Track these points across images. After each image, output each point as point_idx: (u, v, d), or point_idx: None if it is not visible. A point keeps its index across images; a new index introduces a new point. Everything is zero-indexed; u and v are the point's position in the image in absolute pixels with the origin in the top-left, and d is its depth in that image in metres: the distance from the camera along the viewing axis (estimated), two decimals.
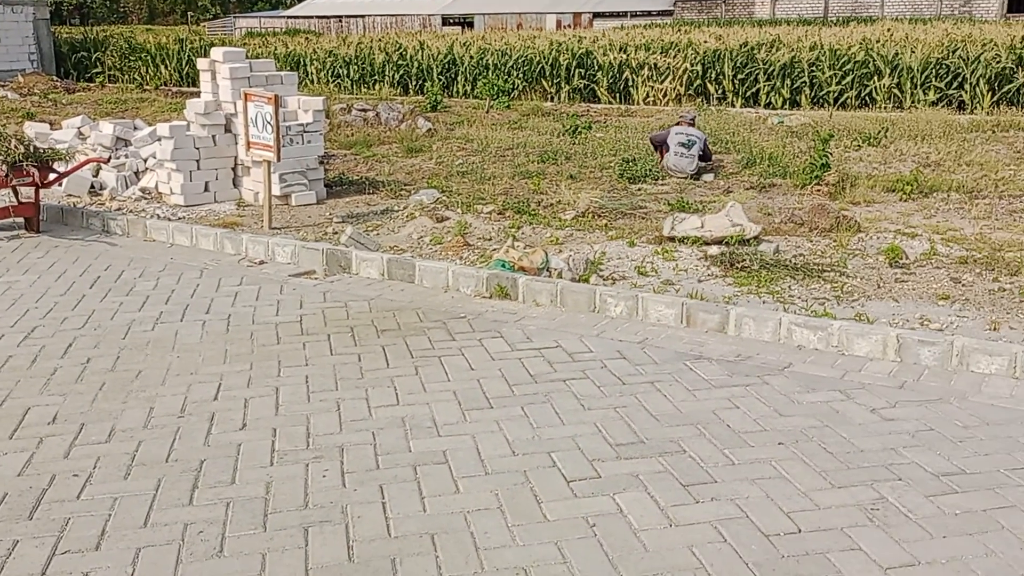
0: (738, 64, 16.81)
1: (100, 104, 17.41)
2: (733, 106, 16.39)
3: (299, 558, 3.43)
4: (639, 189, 9.44)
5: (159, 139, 9.20)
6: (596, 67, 18.09)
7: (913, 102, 15.21)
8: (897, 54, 15.57)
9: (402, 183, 9.91)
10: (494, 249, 7.34)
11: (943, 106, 15.03)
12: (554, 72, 18.50)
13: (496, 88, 17.08)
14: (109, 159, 9.69)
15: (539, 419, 4.57)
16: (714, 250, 7.08)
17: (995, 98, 14.82)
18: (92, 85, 22.38)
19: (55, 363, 5.37)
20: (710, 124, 12.75)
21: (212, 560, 3.42)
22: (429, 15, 45.50)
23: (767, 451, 4.22)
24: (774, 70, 16.37)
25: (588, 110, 16.26)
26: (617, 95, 17.79)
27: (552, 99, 18.27)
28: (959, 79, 15.20)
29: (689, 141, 9.92)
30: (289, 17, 50.65)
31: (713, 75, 16.99)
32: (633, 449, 4.25)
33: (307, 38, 30.41)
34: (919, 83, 15.28)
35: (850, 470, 4.04)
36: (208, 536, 3.57)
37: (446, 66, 19.84)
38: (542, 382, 5.04)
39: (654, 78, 17.32)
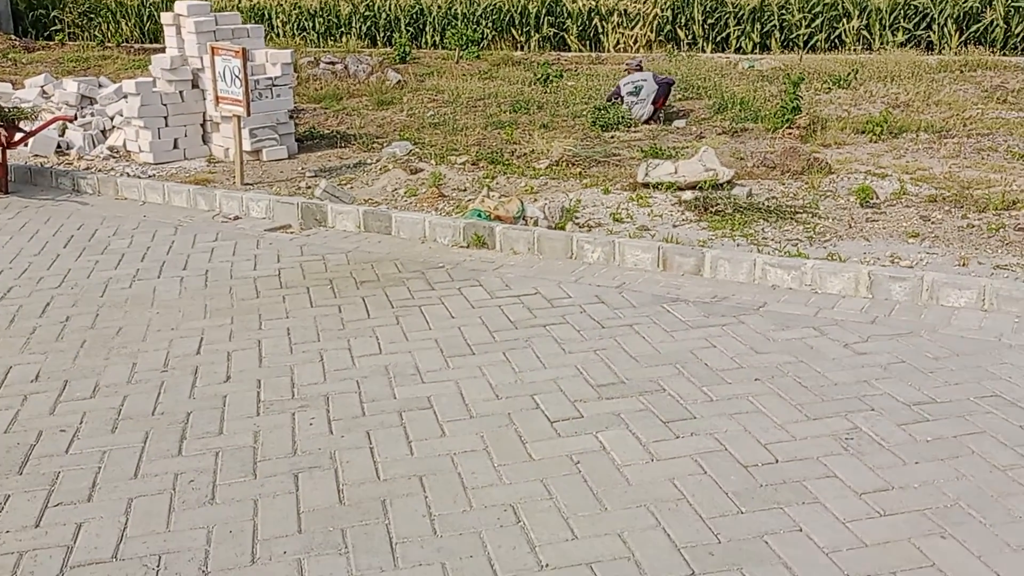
0: (708, 9, 16.75)
1: (61, 63, 17.03)
2: (703, 51, 16.35)
3: (291, 502, 3.49)
4: (612, 137, 9.44)
5: (125, 96, 9.06)
6: (566, 15, 17.95)
7: (882, 43, 15.25)
8: None
9: (374, 136, 9.85)
10: (469, 199, 7.35)
11: (912, 47, 15.10)
12: (523, 21, 18.33)
13: (465, 38, 16.91)
14: (75, 117, 9.54)
15: (521, 363, 4.65)
16: (688, 195, 7.14)
17: (963, 38, 14.90)
18: (52, 43, 21.85)
19: (34, 322, 5.35)
20: (681, 70, 12.73)
21: (205, 507, 3.48)
22: None
23: (744, 387, 4.33)
24: (744, 14, 16.33)
25: (559, 58, 16.15)
26: (587, 43, 17.67)
27: (522, 48, 18.11)
28: (927, 19, 15.27)
29: (636, 88, 9.99)
30: None
31: (683, 20, 16.92)
32: (614, 389, 4.34)
33: None
34: (888, 24, 15.33)
35: (824, 402, 4.16)
36: (199, 484, 3.62)
37: (414, 17, 19.58)
38: (522, 328, 5.10)
39: (624, 24, 17.23)
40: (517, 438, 3.92)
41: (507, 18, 18.46)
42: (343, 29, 20.47)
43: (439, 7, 19.34)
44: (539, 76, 12.73)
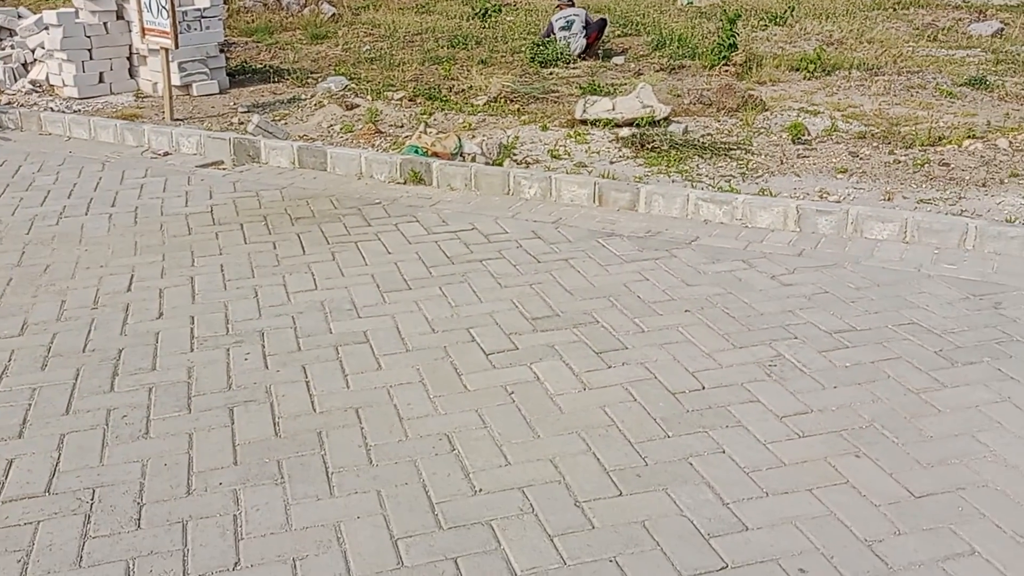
0: None
1: None
2: None
3: (226, 436, 3.51)
4: (551, 73, 9.40)
5: (46, 28, 8.71)
6: None
7: None
8: None
9: (308, 71, 9.65)
10: (406, 136, 7.29)
11: None
12: None
13: None
14: None
15: (457, 298, 4.68)
16: (625, 132, 7.17)
17: None
18: None
19: None
20: (621, 7, 12.67)
21: (138, 441, 3.47)
22: None
23: (674, 318, 4.44)
24: None
25: None
26: None
27: None
28: None
29: (568, 22, 9.96)
30: None
31: None
32: (549, 322, 4.41)
33: None
34: None
35: (750, 332, 4.29)
36: (133, 420, 3.61)
37: None
38: (459, 263, 5.13)
39: None
40: (452, 370, 3.97)
41: None
42: None
43: None
44: (477, 11, 12.54)
